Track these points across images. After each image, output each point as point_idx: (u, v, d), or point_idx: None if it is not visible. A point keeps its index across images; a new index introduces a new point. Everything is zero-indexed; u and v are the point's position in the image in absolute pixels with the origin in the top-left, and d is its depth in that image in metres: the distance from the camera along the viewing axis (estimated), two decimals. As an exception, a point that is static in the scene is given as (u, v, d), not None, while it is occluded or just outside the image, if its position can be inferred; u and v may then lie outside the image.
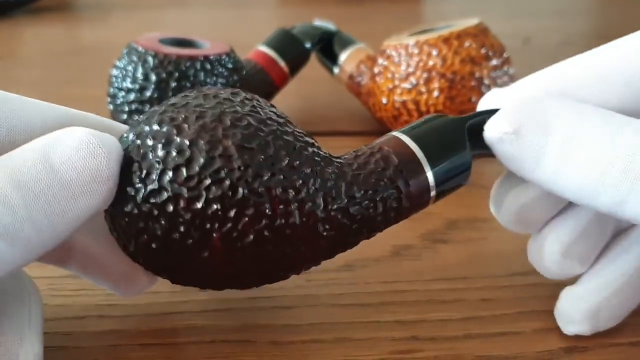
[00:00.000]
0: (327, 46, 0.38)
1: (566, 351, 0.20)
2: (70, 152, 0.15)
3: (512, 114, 0.17)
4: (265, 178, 0.16)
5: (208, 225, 0.16)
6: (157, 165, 0.16)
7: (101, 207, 0.16)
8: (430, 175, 0.18)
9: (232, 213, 0.16)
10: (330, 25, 0.39)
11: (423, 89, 0.32)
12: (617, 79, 0.18)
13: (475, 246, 0.25)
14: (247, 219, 0.16)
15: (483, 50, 0.32)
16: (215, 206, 0.15)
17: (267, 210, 0.16)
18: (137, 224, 0.16)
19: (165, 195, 0.16)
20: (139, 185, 0.16)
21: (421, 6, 0.74)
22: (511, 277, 0.23)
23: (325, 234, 0.17)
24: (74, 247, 0.19)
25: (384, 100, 0.33)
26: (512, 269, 0.23)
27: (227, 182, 0.15)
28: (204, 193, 0.15)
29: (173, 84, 0.30)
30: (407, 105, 0.32)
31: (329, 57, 0.38)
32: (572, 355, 0.19)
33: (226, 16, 0.68)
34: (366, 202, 0.18)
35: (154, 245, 0.16)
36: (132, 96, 0.30)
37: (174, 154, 0.16)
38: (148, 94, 0.30)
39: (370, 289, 0.23)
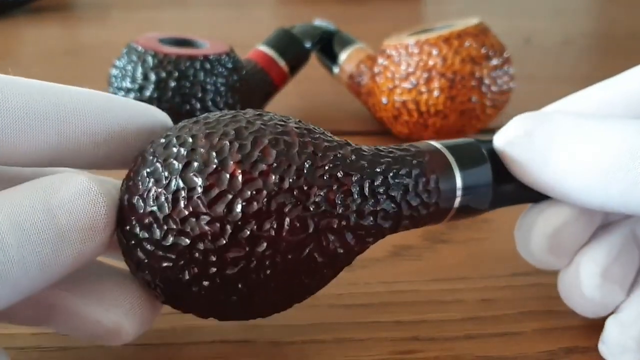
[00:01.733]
0: (327, 46, 0.38)
1: (566, 351, 0.20)
2: (70, 198, 0.15)
3: (523, 120, 0.18)
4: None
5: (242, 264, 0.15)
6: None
7: (95, 256, 0.16)
8: (458, 177, 0.18)
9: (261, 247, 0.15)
10: (330, 25, 0.39)
11: (423, 89, 0.32)
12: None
13: (475, 246, 0.25)
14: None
15: (483, 50, 0.32)
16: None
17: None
18: (161, 263, 0.16)
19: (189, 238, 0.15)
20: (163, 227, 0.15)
21: (421, 6, 0.74)
22: (511, 278, 0.23)
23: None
24: (56, 306, 0.17)
25: (384, 100, 0.33)
26: (512, 269, 0.23)
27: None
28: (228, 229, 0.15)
29: (172, 84, 0.30)
30: (407, 105, 0.32)
31: (329, 57, 0.38)
32: (573, 356, 0.19)
33: (226, 16, 0.68)
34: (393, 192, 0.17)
35: (180, 283, 0.16)
36: (131, 96, 0.30)
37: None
38: (147, 93, 0.30)
39: (370, 289, 0.23)
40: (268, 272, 0.15)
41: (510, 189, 0.19)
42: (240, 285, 0.15)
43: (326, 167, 0.16)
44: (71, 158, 0.17)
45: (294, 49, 0.36)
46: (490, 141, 0.19)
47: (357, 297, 0.22)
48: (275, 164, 0.15)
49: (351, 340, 0.20)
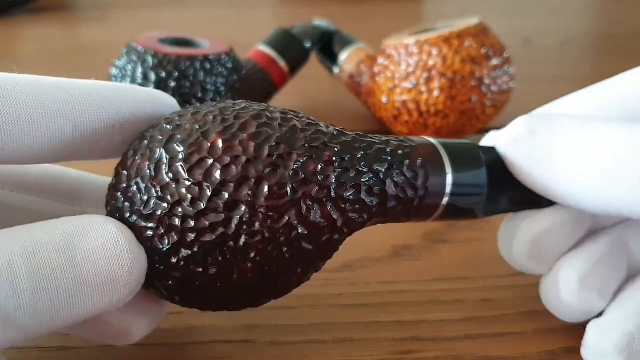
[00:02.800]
0: (327, 46, 0.38)
1: (566, 351, 0.20)
2: (96, 248, 0.14)
3: (526, 119, 0.18)
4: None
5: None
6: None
7: (110, 310, 0.15)
8: (449, 169, 0.18)
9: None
10: (330, 25, 0.39)
11: (423, 89, 0.32)
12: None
13: (475, 246, 0.25)
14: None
15: (483, 50, 0.32)
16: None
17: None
18: (143, 233, 0.16)
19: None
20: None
21: (421, 6, 0.74)
22: (512, 277, 0.23)
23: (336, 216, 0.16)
24: None
25: (384, 100, 0.33)
26: (512, 269, 0.23)
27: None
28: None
29: (172, 84, 0.30)
30: (408, 105, 0.32)
31: (329, 56, 0.38)
32: (573, 356, 0.19)
33: (226, 16, 0.68)
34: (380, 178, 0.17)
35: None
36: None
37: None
38: (148, 93, 0.30)
39: (370, 289, 0.23)
40: (246, 239, 0.15)
41: (507, 199, 0.19)
42: (219, 255, 0.15)
43: (307, 138, 0.16)
44: (87, 150, 0.17)
45: (294, 49, 0.36)
46: (492, 148, 0.19)
47: (357, 297, 0.22)
48: (255, 133, 0.16)
49: (351, 340, 0.20)
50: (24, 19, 0.64)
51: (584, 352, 0.18)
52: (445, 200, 0.18)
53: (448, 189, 0.18)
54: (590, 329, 0.18)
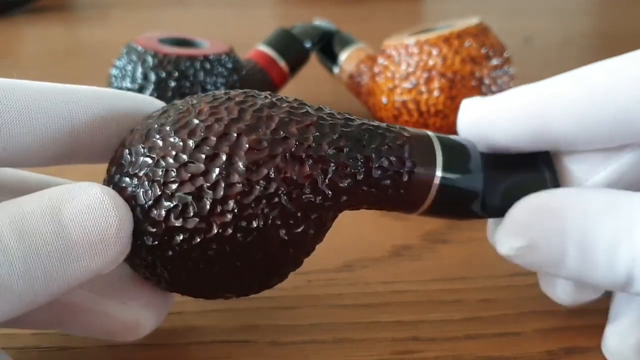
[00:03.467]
0: (327, 46, 0.38)
1: (566, 351, 0.20)
2: (82, 210, 0.14)
3: (521, 227, 0.17)
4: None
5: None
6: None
7: (103, 271, 0.15)
8: (439, 155, 0.18)
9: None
10: (330, 25, 0.39)
11: (423, 89, 0.32)
12: (605, 115, 0.17)
13: (475, 246, 0.25)
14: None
15: (483, 50, 0.32)
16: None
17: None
18: (126, 191, 0.16)
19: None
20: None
21: (421, 6, 0.74)
22: (511, 278, 0.23)
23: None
24: (72, 305, 0.17)
25: (384, 100, 0.33)
26: (512, 269, 0.23)
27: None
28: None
29: (172, 84, 0.30)
30: (407, 105, 0.32)
31: (329, 56, 0.38)
32: (573, 356, 0.19)
33: (226, 16, 0.68)
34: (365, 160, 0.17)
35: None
36: (131, 96, 0.30)
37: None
38: (148, 93, 0.30)
39: (370, 289, 0.23)
40: (225, 190, 0.15)
41: (506, 193, 0.18)
42: (198, 207, 0.15)
43: (291, 106, 0.17)
44: (84, 151, 0.17)
45: (294, 49, 0.36)
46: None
47: (357, 297, 0.22)
48: (241, 101, 0.17)
49: (351, 340, 0.20)
50: (24, 19, 0.64)
51: (605, 351, 0.19)
52: (436, 179, 0.17)
53: (439, 170, 0.17)
54: (609, 336, 0.19)
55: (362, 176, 0.17)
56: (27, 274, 0.14)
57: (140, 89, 0.30)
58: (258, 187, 0.16)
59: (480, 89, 0.32)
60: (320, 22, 0.39)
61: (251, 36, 0.43)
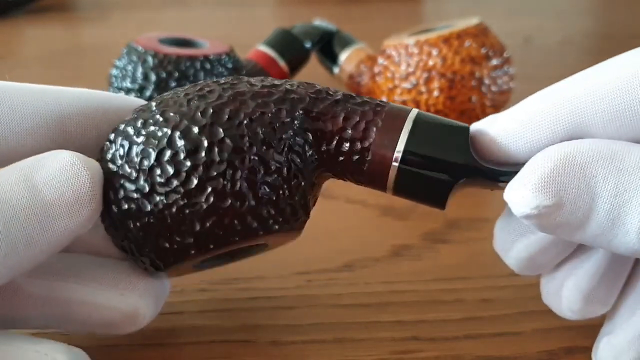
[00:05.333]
0: (327, 46, 0.38)
1: (566, 351, 0.20)
2: (54, 173, 0.15)
3: (548, 183, 0.14)
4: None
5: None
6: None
7: (82, 230, 0.16)
8: (399, 149, 0.17)
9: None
10: (330, 25, 0.39)
11: (423, 89, 0.32)
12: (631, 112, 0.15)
13: (475, 246, 0.25)
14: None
15: (483, 50, 0.32)
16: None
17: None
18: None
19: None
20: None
21: (421, 6, 0.74)
22: (511, 277, 0.23)
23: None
24: (72, 299, 0.18)
25: (384, 100, 0.33)
26: (512, 269, 0.23)
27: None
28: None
29: (173, 84, 0.30)
30: (407, 105, 0.32)
31: (329, 57, 0.38)
32: (573, 356, 0.19)
33: (226, 16, 0.68)
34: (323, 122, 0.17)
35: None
36: (132, 96, 0.30)
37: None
38: (148, 93, 0.30)
39: (370, 289, 0.23)
40: (208, 109, 0.16)
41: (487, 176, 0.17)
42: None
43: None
44: (77, 151, 0.17)
45: (294, 49, 0.36)
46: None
47: (357, 297, 0.22)
48: (224, 82, 0.18)
49: (351, 340, 0.20)
50: (25, 20, 0.64)
51: None
52: (395, 160, 0.17)
53: (399, 150, 0.17)
54: (604, 349, 0.18)
55: (314, 114, 0.17)
56: (9, 237, 0.14)
57: (141, 89, 0.30)
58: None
59: (480, 89, 0.32)
60: (320, 22, 0.39)
61: (251, 36, 0.43)
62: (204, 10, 0.70)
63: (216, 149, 0.16)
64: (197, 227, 0.16)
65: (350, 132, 0.17)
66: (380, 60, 0.34)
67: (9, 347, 0.16)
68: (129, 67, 0.30)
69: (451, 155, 0.17)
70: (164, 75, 0.30)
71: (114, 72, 0.31)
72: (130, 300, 0.18)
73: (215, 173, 0.16)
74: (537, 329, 0.21)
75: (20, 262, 0.15)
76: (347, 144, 0.17)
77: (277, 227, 0.17)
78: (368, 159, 0.17)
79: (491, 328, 0.21)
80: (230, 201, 0.16)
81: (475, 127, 0.17)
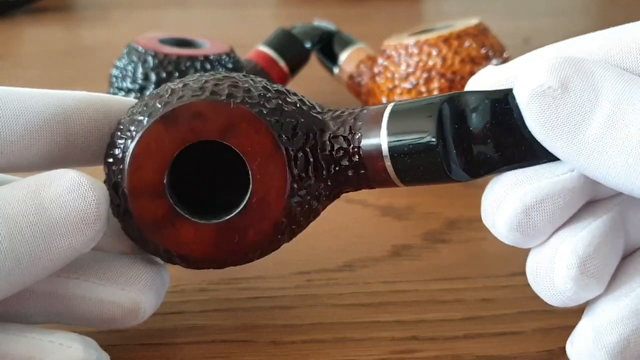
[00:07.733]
0: (327, 46, 0.38)
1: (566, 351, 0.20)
2: (61, 192, 0.15)
3: (557, 66, 0.15)
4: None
5: None
6: None
7: (85, 250, 0.16)
8: (384, 138, 0.17)
9: None
10: (330, 25, 0.39)
11: (423, 89, 0.32)
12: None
13: (475, 246, 0.25)
14: None
15: (483, 50, 0.32)
16: None
17: None
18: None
19: None
20: None
21: (421, 6, 0.74)
22: (511, 277, 0.23)
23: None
24: (73, 295, 0.18)
25: (384, 100, 0.33)
26: (512, 269, 0.23)
27: None
28: None
29: (173, 84, 0.30)
30: (407, 105, 0.32)
31: (329, 57, 0.38)
32: (572, 355, 0.19)
33: (226, 16, 0.68)
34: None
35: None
36: (132, 96, 0.30)
37: None
38: (148, 93, 0.30)
39: (370, 289, 0.23)
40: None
41: (492, 152, 0.16)
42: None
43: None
44: (80, 153, 0.18)
45: (294, 49, 0.36)
46: (499, 92, 0.16)
47: (357, 296, 0.22)
48: (217, 77, 0.18)
49: (351, 340, 0.20)
50: (25, 20, 0.64)
51: (570, 349, 0.17)
52: (384, 150, 0.17)
53: (383, 139, 0.17)
54: (584, 328, 0.16)
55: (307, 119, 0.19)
56: (14, 253, 0.15)
57: (141, 90, 0.30)
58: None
59: (480, 89, 0.32)
60: (320, 22, 0.39)
61: (251, 36, 0.43)
62: (204, 10, 0.70)
63: None
64: None
65: (342, 147, 0.18)
66: (380, 60, 0.34)
67: (22, 339, 0.16)
68: (129, 68, 0.30)
69: (429, 127, 0.16)
70: (164, 75, 0.30)
71: (114, 72, 0.31)
72: (131, 294, 0.18)
73: None
74: (537, 329, 0.21)
75: (22, 278, 0.15)
76: (346, 160, 0.18)
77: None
78: (364, 164, 0.18)
79: (491, 328, 0.21)
80: None
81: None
